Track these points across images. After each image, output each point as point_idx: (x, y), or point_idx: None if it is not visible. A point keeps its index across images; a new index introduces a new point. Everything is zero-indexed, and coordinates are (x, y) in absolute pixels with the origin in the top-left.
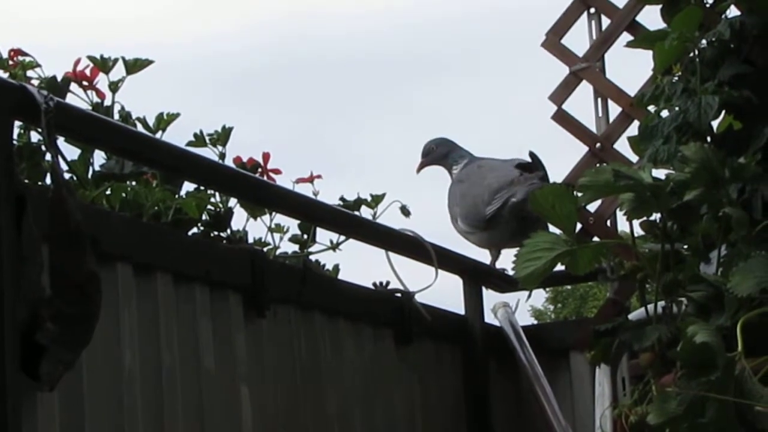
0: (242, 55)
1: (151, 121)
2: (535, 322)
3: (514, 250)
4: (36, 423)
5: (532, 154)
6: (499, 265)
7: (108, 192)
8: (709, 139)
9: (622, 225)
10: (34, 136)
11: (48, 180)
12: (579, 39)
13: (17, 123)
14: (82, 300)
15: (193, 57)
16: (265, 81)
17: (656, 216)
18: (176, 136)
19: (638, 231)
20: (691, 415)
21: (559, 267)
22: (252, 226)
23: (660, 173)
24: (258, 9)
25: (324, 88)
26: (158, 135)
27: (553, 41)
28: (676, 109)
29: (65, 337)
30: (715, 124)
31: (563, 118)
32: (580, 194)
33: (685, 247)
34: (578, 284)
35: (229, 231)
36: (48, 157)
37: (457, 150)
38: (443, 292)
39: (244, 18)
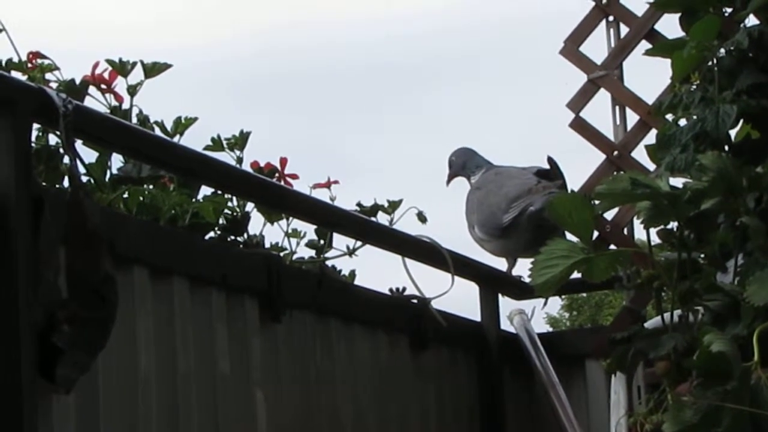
0: (259, 61)
1: (168, 125)
2: (551, 329)
3: (530, 258)
4: (52, 425)
5: (551, 161)
6: (515, 272)
7: (125, 195)
8: (726, 148)
9: (639, 233)
10: (52, 139)
11: (65, 182)
12: (597, 47)
13: (35, 125)
14: (99, 303)
15: (211, 61)
16: (281, 86)
17: (673, 225)
18: (194, 140)
19: (654, 239)
20: (707, 424)
21: (576, 275)
22: (269, 231)
23: (677, 182)
24: (273, 16)
25: (340, 95)
26: (176, 139)
27: (572, 49)
28: (694, 117)
29: (81, 340)
30: (732, 133)
31: (581, 126)
32: (597, 202)
33: (702, 256)
34: (594, 292)
35: (245, 235)
36: (66, 159)
37: (475, 158)
38: (459, 298)
39: (260, 24)
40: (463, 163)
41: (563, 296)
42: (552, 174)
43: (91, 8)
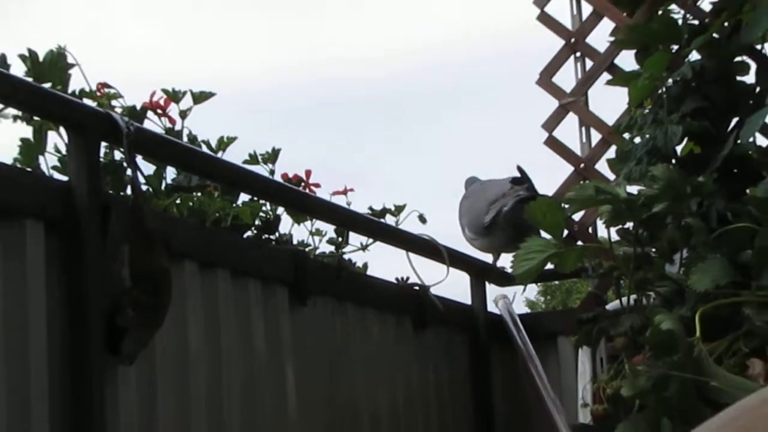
0: (288, 89)
1: (213, 143)
2: (529, 311)
3: (511, 253)
4: (117, 391)
5: (520, 169)
6: (499, 264)
7: (177, 201)
8: (673, 161)
9: (602, 232)
10: (117, 155)
11: (128, 191)
12: (567, 78)
13: (103, 143)
14: (156, 291)
15: (248, 89)
16: (305, 111)
17: (629, 224)
18: (234, 155)
19: (614, 237)
20: (658, 389)
21: (549, 266)
22: (296, 231)
23: (633, 189)
24: (299, 52)
25: (355, 119)
26: (219, 154)
27: (546, 79)
28: (647, 136)
29: (142, 321)
30: (679, 148)
31: (553, 143)
32: (567, 206)
33: (653, 250)
34: (564, 280)
35: (277, 234)
36: (128, 172)
37: (472, 179)
38: (453, 285)
39: (286, 59)
40: (467, 185)
41: (539, 284)
42: (522, 180)
43: (149, 41)
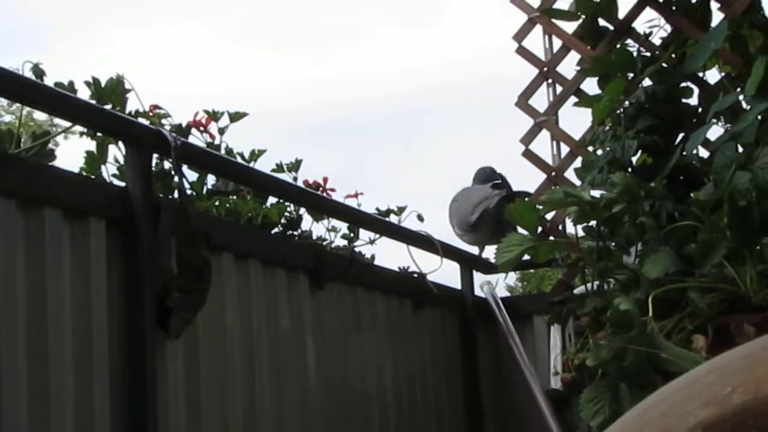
0: (307, 107)
1: (246, 155)
2: (509, 294)
3: (494, 247)
4: (166, 360)
5: (501, 176)
6: (484, 255)
7: (216, 204)
8: (630, 170)
9: (569, 228)
10: (166, 164)
11: (175, 195)
12: (540, 100)
13: (155, 156)
14: (199, 277)
15: (273, 107)
16: (322, 125)
17: (593, 222)
18: (262, 165)
19: (580, 233)
20: (617, 359)
21: (526, 257)
22: (315, 227)
23: (596, 193)
24: (314, 73)
25: (364, 133)
26: (252, 164)
27: (523, 102)
28: (608, 149)
29: (187, 303)
30: (634, 159)
31: (530, 155)
32: (541, 207)
33: (613, 244)
34: (538, 269)
35: (299, 230)
36: (176, 179)
37: (485, 169)
38: (446, 273)
39: (303, 79)
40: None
41: (517, 272)
42: (502, 185)
43: (189, 61)
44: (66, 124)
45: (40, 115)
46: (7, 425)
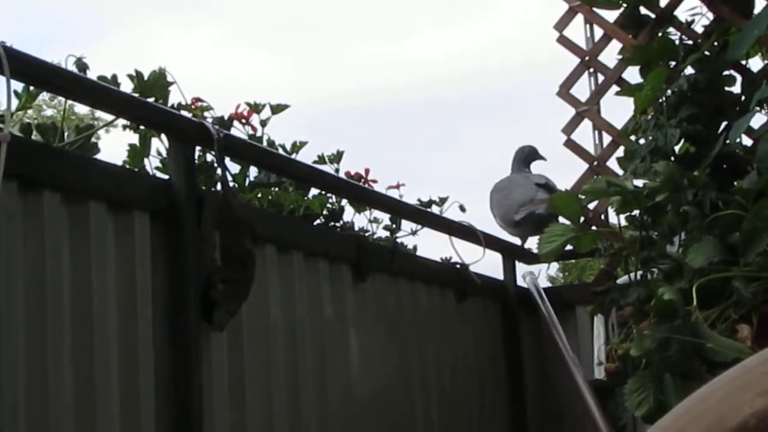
0: (347, 97)
1: (288, 146)
2: (550, 284)
3: (535, 237)
4: (211, 352)
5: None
6: (526, 246)
7: (259, 195)
8: (672, 158)
9: (612, 218)
10: (208, 157)
11: (218, 187)
12: (582, 89)
13: (198, 148)
14: (243, 269)
15: (316, 99)
16: (362, 117)
17: (636, 212)
18: (306, 156)
19: (623, 222)
20: (661, 349)
21: (568, 247)
22: (357, 219)
23: (638, 182)
24: (357, 61)
25: (402, 124)
26: (293, 156)
27: (564, 91)
28: (650, 138)
29: (231, 294)
30: (676, 148)
31: (571, 145)
32: (583, 197)
33: (656, 233)
34: (580, 259)
35: (341, 222)
36: (219, 171)
37: (526, 148)
38: (488, 263)
39: (344, 69)
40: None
41: (559, 262)
42: (548, 188)
43: (229, 55)
44: (108, 117)
45: (81, 109)
46: (53, 418)
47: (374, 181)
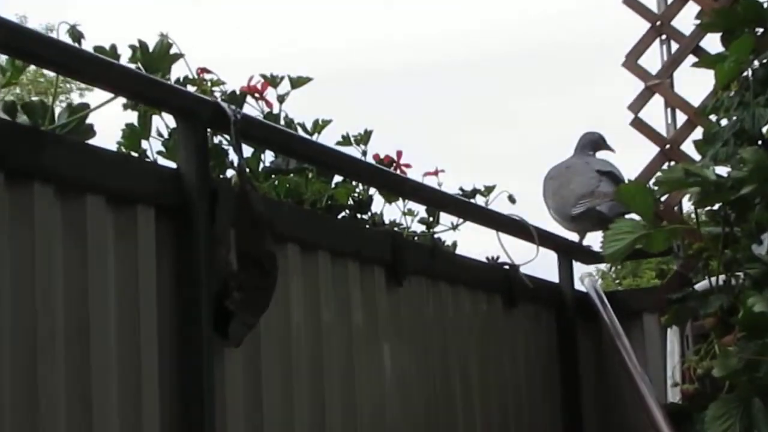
0: (377, 67)
1: (308, 125)
2: (600, 280)
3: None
4: (224, 370)
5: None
6: (585, 242)
7: (275, 183)
8: (761, 143)
9: (686, 210)
10: (216, 137)
11: (229, 173)
12: (652, 60)
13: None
14: (262, 274)
15: (338, 68)
16: (396, 87)
17: (717, 205)
18: (326, 137)
19: (702, 217)
20: (749, 370)
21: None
22: (387, 210)
23: (720, 170)
24: (390, 28)
25: (445, 95)
26: (315, 137)
27: (632, 62)
28: (734, 118)
29: (248, 304)
30: (765, 130)
31: (639, 124)
32: (656, 188)
33: (741, 231)
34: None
35: (369, 213)
36: (233, 157)
37: (591, 134)
38: (541, 263)
39: (377, 36)
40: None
41: None
42: (613, 177)
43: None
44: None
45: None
46: None
47: (408, 166)
